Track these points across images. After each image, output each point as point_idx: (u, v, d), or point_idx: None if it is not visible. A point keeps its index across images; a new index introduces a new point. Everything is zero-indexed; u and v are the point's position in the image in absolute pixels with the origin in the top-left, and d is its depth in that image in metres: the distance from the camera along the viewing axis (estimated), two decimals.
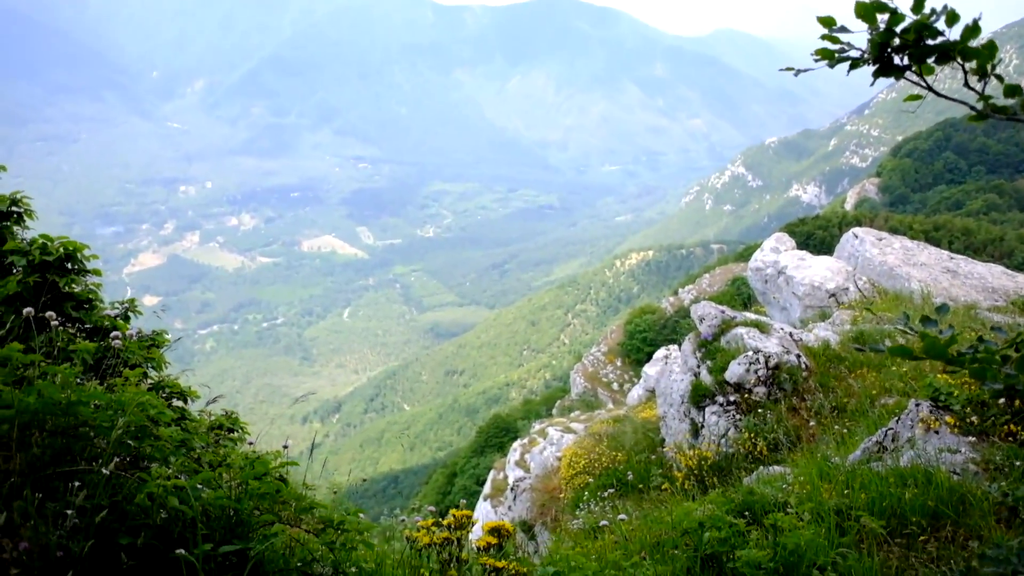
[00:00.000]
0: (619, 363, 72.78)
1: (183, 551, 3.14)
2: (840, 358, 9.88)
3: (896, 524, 5.15)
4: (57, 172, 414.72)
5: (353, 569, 3.49)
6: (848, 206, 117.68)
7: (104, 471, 3.24)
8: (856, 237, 17.59)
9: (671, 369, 11.24)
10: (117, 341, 4.04)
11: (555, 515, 12.27)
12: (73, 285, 4.30)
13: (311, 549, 3.64)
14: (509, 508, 14.81)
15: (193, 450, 4.46)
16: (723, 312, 10.60)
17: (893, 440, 7.09)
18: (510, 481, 33.89)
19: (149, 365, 4.80)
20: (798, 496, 5.66)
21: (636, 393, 23.52)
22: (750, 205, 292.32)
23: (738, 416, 9.52)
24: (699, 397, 10.05)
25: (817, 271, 16.06)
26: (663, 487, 9.72)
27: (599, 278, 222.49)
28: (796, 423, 9.14)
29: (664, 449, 10.91)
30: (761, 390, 9.44)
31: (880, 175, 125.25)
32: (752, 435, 8.82)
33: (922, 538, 5.03)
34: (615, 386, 70.09)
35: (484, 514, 35.52)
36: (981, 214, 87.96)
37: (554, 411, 67.49)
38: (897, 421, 7.13)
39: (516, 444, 40.75)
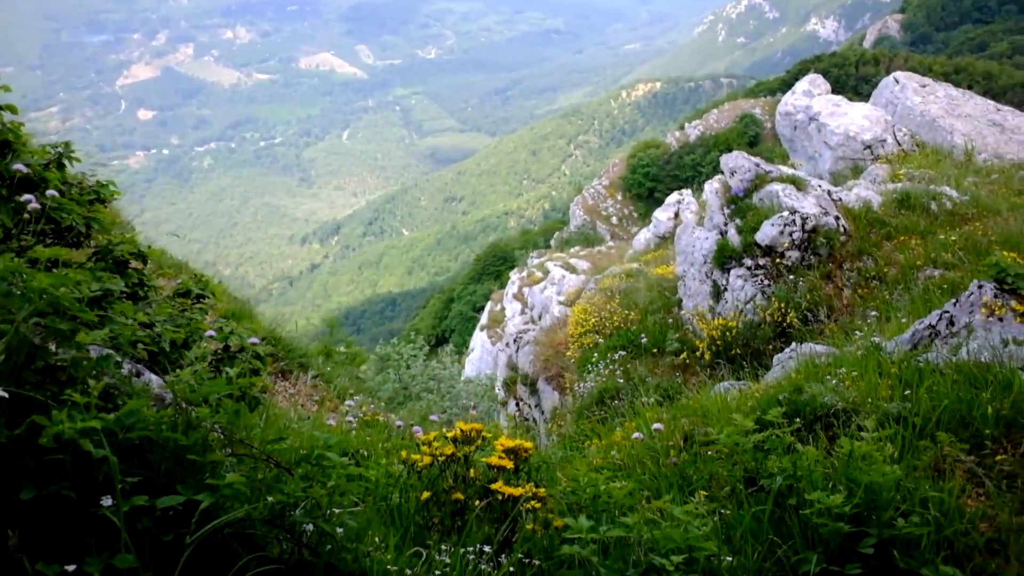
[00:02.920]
0: (620, 197, 72.04)
1: (109, 500, 2.32)
2: (881, 222, 8.93)
3: (968, 437, 4.40)
4: None
5: (337, 524, 2.68)
6: (867, 44, 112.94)
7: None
8: (897, 83, 16.14)
9: (689, 223, 10.29)
10: (32, 202, 3.02)
11: (559, 371, 11.75)
12: None
13: (286, 492, 2.79)
14: (511, 357, 14.34)
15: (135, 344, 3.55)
16: (757, 165, 9.51)
17: (949, 325, 6.25)
18: (507, 315, 33.76)
19: (90, 226, 3.80)
20: (853, 401, 4.86)
21: (643, 237, 22.70)
22: (764, 38, 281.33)
23: (766, 282, 8.70)
24: (724, 258, 9.18)
25: (853, 119, 14.77)
26: (681, 356, 9.06)
27: (604, 109, 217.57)
28: (830, 292, 8.34)
29: (682, 312, 10.17)
30: (794, 254, 8.55)
31: (904, 11, 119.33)
32: (783, 304, 8.01)
33: (999, 456, 4.25)
34: (614, 220, 69.68)
35: (481, 344, 35.69)
36: (1005, 58, 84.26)
37: (552, 243, 67.43)
38: (955, 303, 6.27)
39: (514, 276, 40.41)
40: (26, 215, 3.28)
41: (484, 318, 37.99)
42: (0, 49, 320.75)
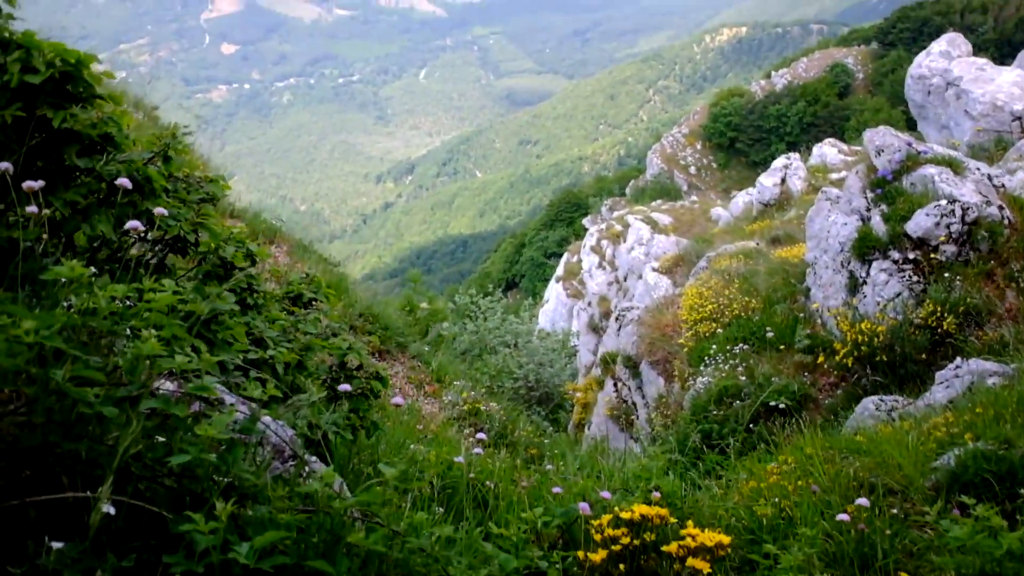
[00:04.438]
0: (699, 147, 70.11)
1: None
2: None
3: None
4: None
5: None
6: None
7: None
8: None
9: (824, 206, 9.30)
10: (134, 223, 2.49)
11: (666, 356, 11.05)
12: (75, 120, 2.68)
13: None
14: (613, 336, 13.70)
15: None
16: (909, 145, 8.46)
17: None
18: (584, 267, 33.01)
19: (199, 232, 3.27)
20: None
21: (742, 201, 21.58)
22: None
23: (915, 278, 7.79)
24: (866, 248, 8.23)
25: (1001, 86, 13.33)
26: (819, 359, 8.20)
27: (686, 53, 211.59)
28: (991, 293, 7.41)
29: (810, 303, 9.29)
30: (950, 249, 7.60)
31: None
32: (939, 307, 7.10)
33: None
34: (692, 170, 67.97)
35: (556, 296, 35.19)
36: None
37: (627, 191, 66.12)
38: None
39: (592, 229, 39.57)
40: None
41: (560, 269, 37.43)
42: None
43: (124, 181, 2.67)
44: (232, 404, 2.95)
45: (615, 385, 12.48)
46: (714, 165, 68.21)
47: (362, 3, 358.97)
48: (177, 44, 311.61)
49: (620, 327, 13.16)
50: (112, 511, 1.93)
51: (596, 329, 23.92)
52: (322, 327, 4.30)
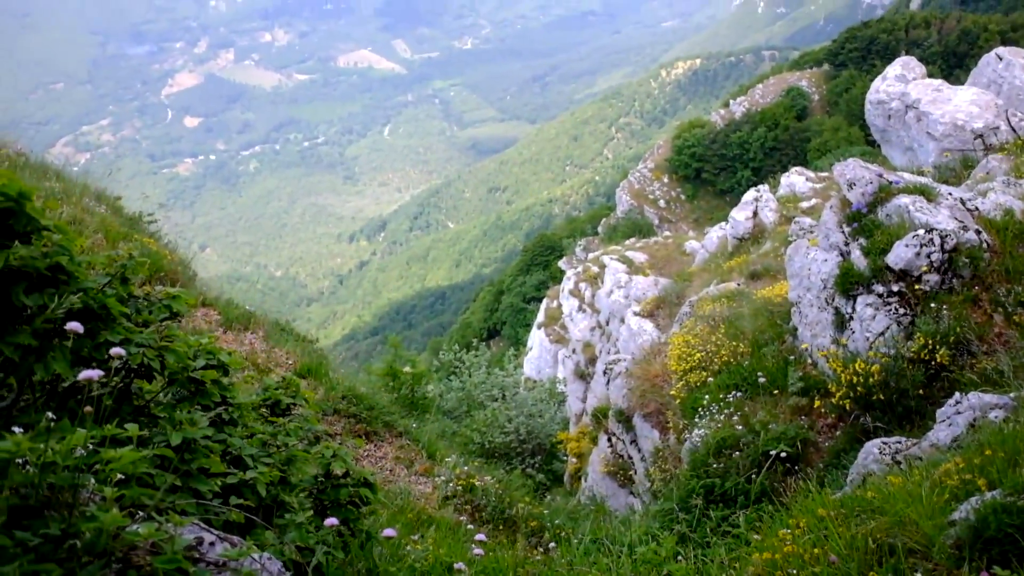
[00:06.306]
0: (666, 180, 70.78)
1: None
2: None
3: None
4: None
5: None
6: (914, 5, 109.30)
7: None
8: (1000, 59, 14.70)
9: (802, 243, 9.24)
10: (90, 372, 2.31)
11: (658, 407, 10.84)
12: (20, 258, 2.50)
13: None
14: (601, 385, 13.45)
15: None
16: (880, 176, 8.41)
17: None
18: (564, 311, 32.89)
19: (164, 357, 3.07)
20: None
21: (716, 237, 21.61)
22: (804, 7, 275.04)
23: (901, 310, 7.67)
24: (849, 284, 8.13)
25: (959, 105, 13.42)
26: (815, 403, 8.05)
27: (644, 89, 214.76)
28: (978, 320, 7.30)
29: (801, 344, 9.14)
30: (933, 278, 7.49)
31: None
32: (930, 340, 6.97)
33: None
34: (662, 203, 68.48)
35: (539, 342, 34.96)
36: None
37: (600, 229, 66.40)
38: None
39: (569, 272, 39.58)
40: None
41: (541, 315, 37.33)
42: (50, 66, 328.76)
43: (75, 325, 2.50)
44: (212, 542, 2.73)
45: (609, 440, 12.23)
46: (683, 197, 68.83)
47: (321, 66, 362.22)
48: (140, 121, 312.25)
49: (609, 380, 12.96)
50: None
51: (583, 376, 23.75)
52: (304, 432, 4.10)
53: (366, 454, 7.99)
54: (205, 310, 9.24)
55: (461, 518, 6.79)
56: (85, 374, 2.34)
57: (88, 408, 2.51)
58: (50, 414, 2.88)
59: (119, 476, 2.56)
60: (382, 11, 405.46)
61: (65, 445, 2.45)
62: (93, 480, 2.46)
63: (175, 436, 2.93)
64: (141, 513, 2.45)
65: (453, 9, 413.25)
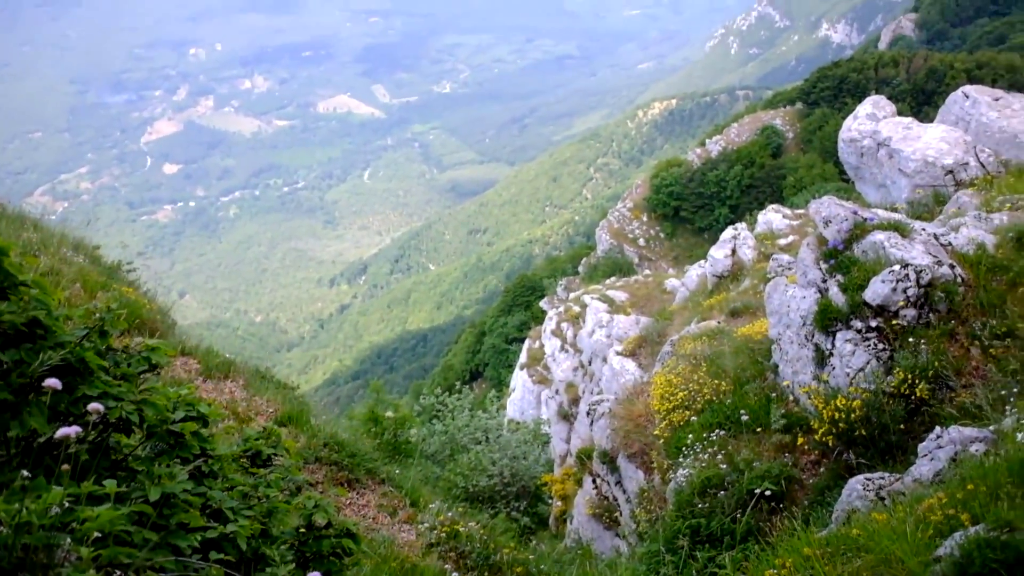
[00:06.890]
0: (645, 219, 71.49)
1: None
2: (1003, 267, 7.87)
3: None
4: (64, 39, 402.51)
5: None
6: (882, 45, 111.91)
7: None
8: (967, 97, 15.05)
9: (780, 281, 9.37)
10: (67, 430, 2.28)
11: (642, 448, 10.82)
12: None
13: None
14: (585, 426, 13.42)
15: None
16: (855, 213, 8.57)
17: None
18: (547, 351, 32.86)
19: (143, 411, 3.05)
20: None
21: (695, 275, 21.77)
22: (776, 48, 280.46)
23: (880, 346, 7.76)
24: (828, 320, 8.23)
25: (929, 142, 13.72)
26: (798, 439, 8.07)
27: (621, 130, 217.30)
28: (956, 353, 7.40)
29: (783, 382, 9.20)
30: (910, 313, 7.60)
31: (918, 9, 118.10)
32: (909, 375, 7.07)
33: None
34: (641, 242, 69.06)
35: (522, 383, 34.85)
36: None
37: (580, 269, 66.75)
38: None
39: (551, 312, 39.60)
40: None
41: (523, 356, 37.28)
42: (29, 114, 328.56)
43: (53, 382, 2.49)
44: None
45: (594, 482, 12.18)
46: (662, 235, 69.46)
47: (300, 112, 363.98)
48: (119, 169, 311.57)
49: (592, 421, 12.94)
50: None
51: (566, 416, 23.66)
52: (285, 482, 4.06)
53: (348, 502, 7.92)
54: (184, 359, 9.18)
55: (446, 566, 6.73)
56: (63, 431, 2.32)
57: (65, 466, 2.48)
58: (25, 472, 2.85)
59: (96, 534, 2.52)
60: (361, 57, 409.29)
61: (40, 504, 2.42)
62: (69, 539, 2.42)
63: (154, 491, 2.89)
64: (119, 572, 2.42)
65: (431, 54, 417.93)
